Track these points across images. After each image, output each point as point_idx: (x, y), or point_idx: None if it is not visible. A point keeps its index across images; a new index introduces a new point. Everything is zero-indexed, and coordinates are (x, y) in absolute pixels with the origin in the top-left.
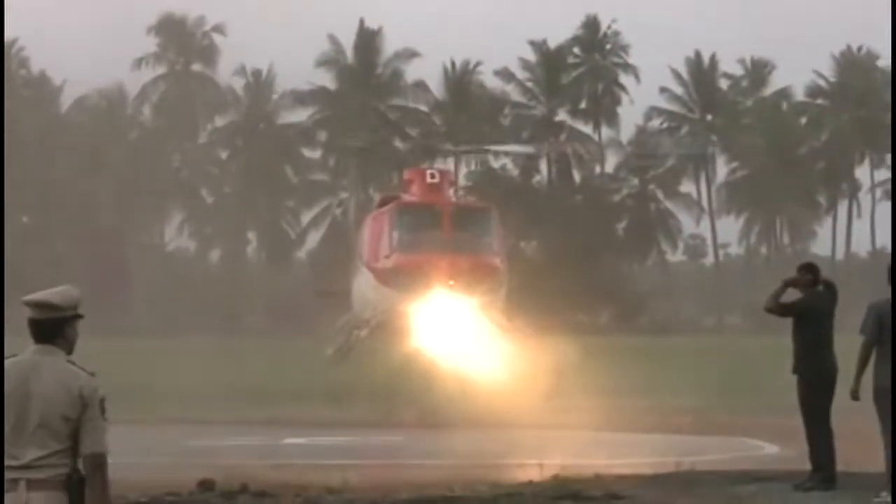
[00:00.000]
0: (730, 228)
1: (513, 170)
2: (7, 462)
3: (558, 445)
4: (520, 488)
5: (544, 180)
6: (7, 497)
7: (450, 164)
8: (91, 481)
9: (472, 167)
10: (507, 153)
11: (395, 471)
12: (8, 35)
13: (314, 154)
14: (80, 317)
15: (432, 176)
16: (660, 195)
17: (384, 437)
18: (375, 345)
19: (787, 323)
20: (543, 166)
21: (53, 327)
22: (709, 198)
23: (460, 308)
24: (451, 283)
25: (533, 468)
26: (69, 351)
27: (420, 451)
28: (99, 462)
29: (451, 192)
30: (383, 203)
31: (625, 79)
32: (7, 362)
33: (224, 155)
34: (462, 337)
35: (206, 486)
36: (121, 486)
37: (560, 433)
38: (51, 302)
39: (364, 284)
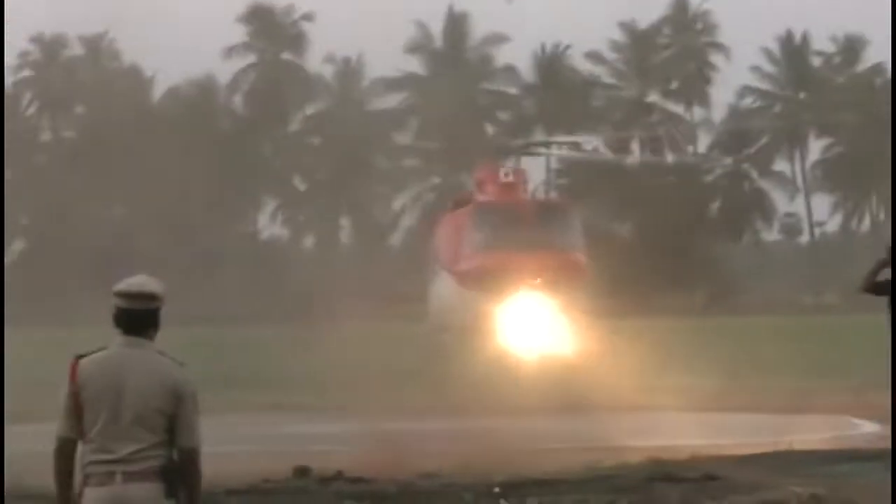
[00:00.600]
0: (825, 206)
1: (605, 151)
2: (100, 456)
3: (653, 427)
4: (615, 470)
5: (637, 162)
6: (102, 490)
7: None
8: (185, 476)
9: (563, 149)
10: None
11: (489, 455)
12: (99, 28)
13: (405, 139)
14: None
15: (506, 175)
16: (753, 174)
17: (478, 422)
18: (462, 348)
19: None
20: (636, 147)
21: (149, 318)
22: (803, 176)
23: (546, 306)
24: (537, 281)
25: (628, 450)
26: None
27: (514, 435)
28: (192, 457)
29: (525, 189)
30: (458, 204)
31: (716, 58)
32: (97, 356)
33: (315, 142)
34: (549, 334)
35: (301, 472)
36: (217, 475)
37: (655, 414)
38: (150, 291)
39: (442, 288)
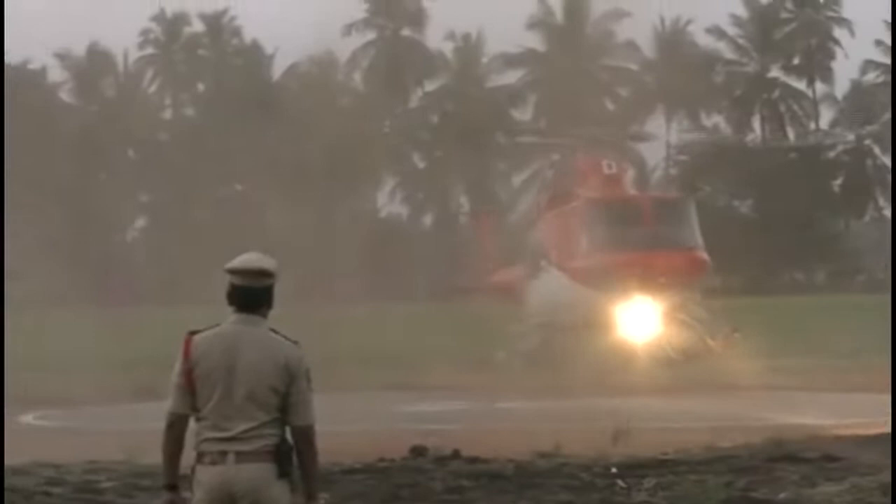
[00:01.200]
0: None
1: (725, 128)
2: (213, 434)
3: (775, 406)
4: (735, 450)
5: (758, 138)
6: (216, 470)
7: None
8: (301, 454)
9: (683, 125)
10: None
11: (607, 435)
12: (220, 5)
13: (525, 116)
14: None
15: (609, 167)
16: (876, 150)
17: (595, 400)
18: (578, 345)
19: None
20: (757, 124)
21: (263, 295)
22: None
23: (666, 303)
24: (662, 280)
25: (749, 430)
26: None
27: (631, 415)
28: (308, 435)
29: (628, 181)
30: (556, 199)
31: (839, 33)
32: (209, 333)
33: (435, 119)
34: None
35: (418, 451)
36: (333, 453)
37: (777, 394)
38: (265, 268)
39: (553, 284)
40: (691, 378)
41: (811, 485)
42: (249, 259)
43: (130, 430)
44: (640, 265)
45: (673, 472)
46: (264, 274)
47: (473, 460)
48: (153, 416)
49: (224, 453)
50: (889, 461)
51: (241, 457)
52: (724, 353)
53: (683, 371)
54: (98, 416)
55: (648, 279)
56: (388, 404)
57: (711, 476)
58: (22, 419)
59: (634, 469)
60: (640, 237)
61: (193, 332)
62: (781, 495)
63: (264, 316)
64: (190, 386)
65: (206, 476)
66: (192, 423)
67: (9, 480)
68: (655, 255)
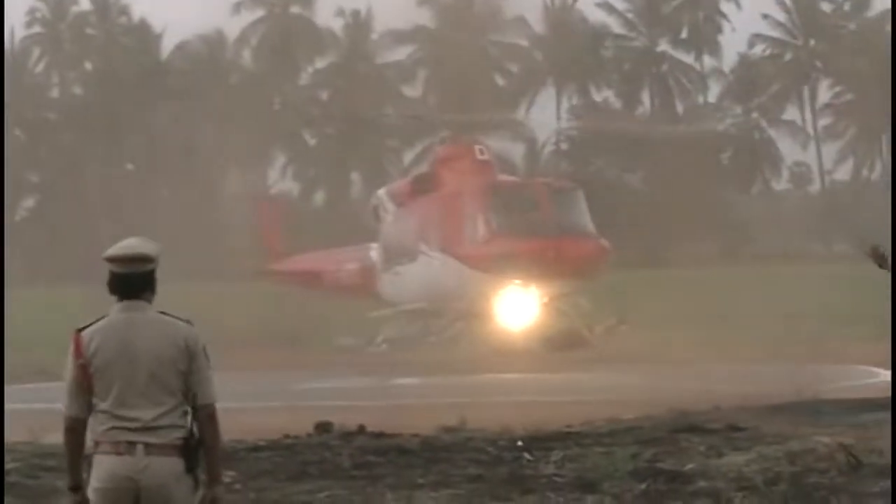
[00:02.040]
0: (835, 155)
1: (615, 102)
2: (119, 423)
3: (676, 379)
4: (638, 422)
5: (647, 112)
6: (122, 461)
7: (550, 102)
8: (204, 432)
9: (573, 102)
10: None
11: (511, 409)
12: None
13: (415, 93)
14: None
15: (481, 152)
16: (763, 123)
17: (498, 377)
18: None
19: None
20: (646, 98)
21: (145, 281)
22: (814, 124)
23: (548, 292)
24: (570, 267)
25: (651, 402)
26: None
27: (536, 389)
28: (210, 413)
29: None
30: (419, 182)
31: (726, 6)
32: (98, 325)
33: (325, 96)
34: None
35: (323, 428)
36: (237, 430)
37: (676, 367)
38: (145, 254)
39: (439, 270)
40: (587, 354)
41: (718, 455)
42: (128, 245)
43: (30, 409)
44: (552, 252)
45: (578, 444)
46: (144, 259)
47: (379, 435)
48: (53, 396)
49: (132, 444)
50: (795, 429)
51: (151, 449)
52: (604, 344)
53: (579, 348)
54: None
55: (557, 266)
56: (286, 382)
57: (617, 448)
58: None
59: (540, 442)
60: (543, 224)
61: (81, 329)
62: (689, 466)
63: (149, 301)
64: (87, 382)
65: (111, 465)
66: (92, 417)
67: None
68: (565, 241)
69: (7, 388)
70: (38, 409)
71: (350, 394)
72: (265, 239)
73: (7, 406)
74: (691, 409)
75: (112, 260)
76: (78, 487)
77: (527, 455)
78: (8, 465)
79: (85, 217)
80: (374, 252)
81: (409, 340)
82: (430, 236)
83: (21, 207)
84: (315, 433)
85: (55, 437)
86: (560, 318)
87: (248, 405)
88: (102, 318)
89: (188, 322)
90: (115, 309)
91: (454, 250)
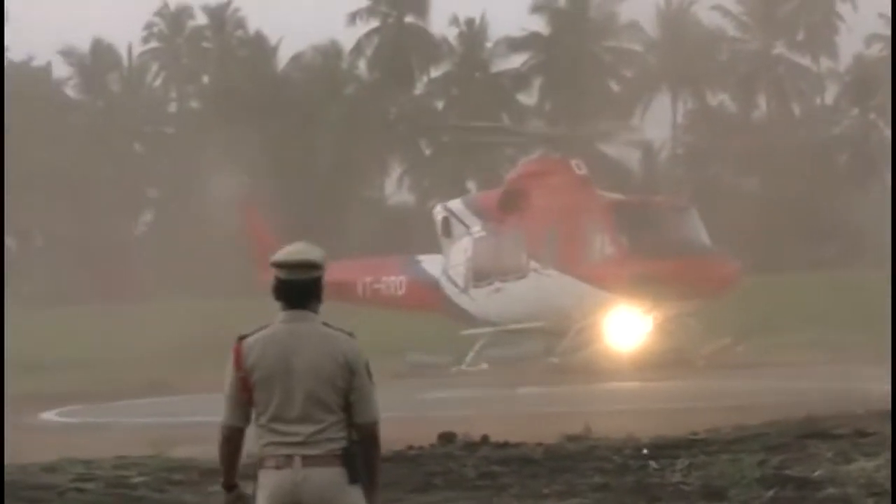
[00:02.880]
0: None
1: (730, 105)
2: (277, 438)
3: (797, 383)
4: (765, 428)
5: (763, 115)
6: (282, 474)
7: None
8: (366, 453)
9: (688, 106)
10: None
11: (636, 416)
12: None
13: (530, 100)
14: None
15: (578, 167)
16: (881, 124)
17: (616, 384)
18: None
19: None
20: (762, 101)
21: (311, 288)
22: None
23: (661, 314)
24: (703, 288)
25: (779, 408)
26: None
27: (662, 396)
28: (373, 431)
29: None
30: (508, 199)
31: (841, 7)
32: (260, 335)
33: (440, 105)
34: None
35: (446, 438)
36: None
37: (797, 370)
38: (312, 260)
39: (556, 289)
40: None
41: (846, 461)
42: (295, 250)
43: (154, 423)
44: (693, 273)
45: (704, 451)
46: (311, 266)
47: (503, 445)
48: (174, 410)
49: (290, 457)
50: None
51: (309, 461)
52: (713, 365)
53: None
54: (119, 411)
55: (695, 287)
56: (409, 392)
57: (744, 455)
58: (44, 416)
59: (666, 450)
60: (670, 244)
61: (242, 337)
62: (817, 472)
63: (315, 311)
64: (246, 394)
65: (272, 480)
66: (250, 430)
67: (39, 478)
68: (706, 262)
69: (124, 403)
70: (158, 423)
71: (472, 403)
72: (256, 247)
73: (126, 420)
74: (816, 415)
75: (279, 265)
76: (233, 486)
77: (652, 463)
78: (135, 479)
79: (201, 231)
80: (430, 265)
81: (515, 360)
82: (541, 254)
83: (140, 223)
84: (438, 444)
85: (182, 451)
86: (667, 339)
87: None
88: (265, 326)
89: (350, 334)
90: (280, 318)
91: (573, 269)
